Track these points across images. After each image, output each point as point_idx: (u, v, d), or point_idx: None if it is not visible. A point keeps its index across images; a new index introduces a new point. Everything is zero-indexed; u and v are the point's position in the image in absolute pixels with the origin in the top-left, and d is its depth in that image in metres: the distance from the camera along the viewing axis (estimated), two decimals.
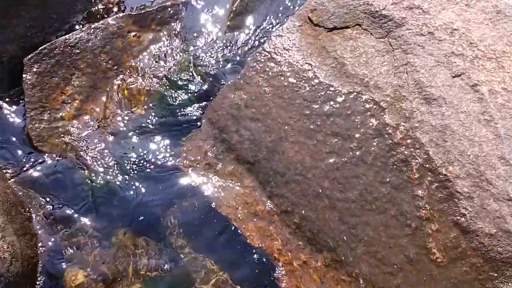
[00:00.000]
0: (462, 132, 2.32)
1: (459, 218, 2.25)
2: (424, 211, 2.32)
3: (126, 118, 3.02)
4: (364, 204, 2.43)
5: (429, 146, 2.36)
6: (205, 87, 3.16)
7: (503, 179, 2.20)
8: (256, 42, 3.29)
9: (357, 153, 2.49)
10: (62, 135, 2.87)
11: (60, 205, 2.80)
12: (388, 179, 2.41)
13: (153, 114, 3.06)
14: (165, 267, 2.65)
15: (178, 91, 3.15)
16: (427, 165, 2.34)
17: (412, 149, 2.39)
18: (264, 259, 2.59)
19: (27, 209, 2.62)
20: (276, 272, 2.53)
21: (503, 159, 2.22)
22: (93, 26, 3.10)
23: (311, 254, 2.50)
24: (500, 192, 2.19)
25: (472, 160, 2.27)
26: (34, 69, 2.89)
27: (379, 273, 2.36)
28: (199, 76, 3.20)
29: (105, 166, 2.90)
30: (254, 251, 2.60)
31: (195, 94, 3.14)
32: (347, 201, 2.46)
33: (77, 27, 3.22)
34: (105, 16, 3.35)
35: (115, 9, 3.41)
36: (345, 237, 2.43)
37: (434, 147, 2.35)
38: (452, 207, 2.27)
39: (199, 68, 3.23)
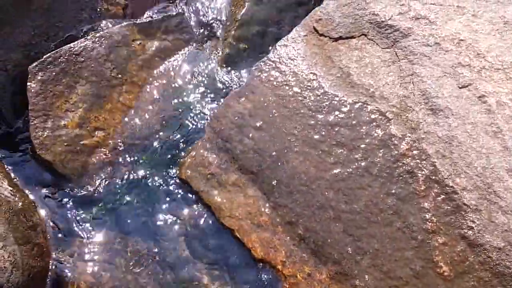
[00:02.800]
0: (469, 143, 2.29)
1: (466, 231, 2.21)
2: (430, 224, 2.29)
3: (129, 127, 3.01)
4: (369, 216, 2.40)
5: (436, 158, 2.33)
6: (209, 96, 3.15)
7: (511, 192, 2.17)
8: (261, 52, 3.28)
9: (363, 164, 2.46)
10: (65, 144, 2.86)
11: (63, 215, 2.79)
12: (394, 191, 2.38)
13: (156, 123, 3.05)
14: (167, 278, 2.62)
15: (181, 100, 3.14)
16: (434, 177, 2.31)
17: (418, 161, 2.36)
18: (268, 271, 2.56)
19: (30, 218, 2.59)
20: (280, 284, 2.49)
21: (511, 172, 2.19)
22: (98, 34, 3.10)
23: (316, 266, 2.46)
24: (509, 204, 2.15)
25: (480, 172, 2.24)
26: (38, 77, 2.89)
27: (385, 287, 2.31)
28: (203, 85, 3.19)
29: (107, 176, 2.88)
30: (257, 263, 2.57)
31: (199, 103, 3.13)
32: (352, 213, 2.43)
33: (82, 35, 3.22)
34: (110, 24, 3.35)
35: (121, 17, 3.42)
36: (350, 250, 2.39)
37: (441, 159, 2.32)
38: (459, 220, 2.23)
39: (203, 77, 3.22)
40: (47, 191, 2.84)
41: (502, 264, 2.13)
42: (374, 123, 2.50)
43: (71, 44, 3.01)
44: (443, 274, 2.23)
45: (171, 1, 3.57)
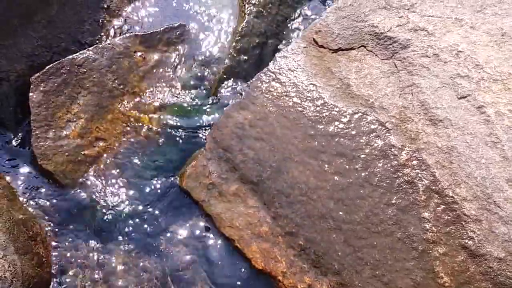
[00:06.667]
0: (468, 154, 2.30)
1: (467, 241, 2.21)
2: (431, 234, 2.28)
3: (130, 137, 3.02)
4: (370, 226, 2.39)
5: (436, 168, 2.33)
6: (209, 106, 3.17)
7: (511, 202, 2.17)
8: (261, 63, 3.31)
9: (363, 174, 2.47)
10: (66, 154, 2.87)
11: (63, 226, 2.78)
12: (394, 201, 2.38)
13: (157, 133, 3.06)
14: None
15: (182, 111, 3.15)
16: (434, 187, 2.32)
17: (418, 171, 2.37)
18: (268, 282, 2.55)
19: (30, 228, 2.59)
20: None
21: (511, 182, 2.19)
22: (100, 45, 3.13)
23: (316, 277, 2.46)
24: (509, 215, 2.15)
25: (479, 182, 2.24)
26: (41, 88, 2.91)
27: None
28: (204, 96, 3.21)
29: (108, 186, 2.88)
30: (257, 273, 2.56)
31: (200, 113, 3.15)
32: (353, 223, 2.42)
33: (84, 46, 3.25)
34: (112, 36, 3.39)
35: (122, 29, 3.45)
36: (350, 260, 2.39)
37: (441, 169, 2.32)
38: (459, 230, 2.23)
39: (204, 88, 3.24)
40: (48, 201, 2.84)
41: (503, 274, 2.12)
42: (374, 134, 2.51)
43: (73, 55, 3.04)
44: (444, 285, 2.22)
45: (172, 13, 3.60)
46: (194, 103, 3.19)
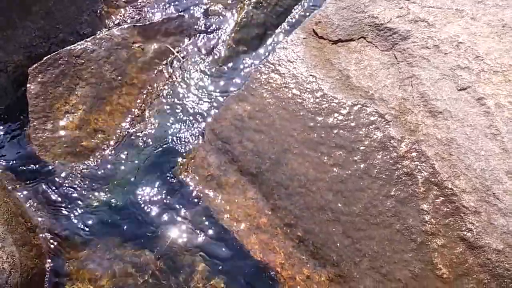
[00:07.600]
0: (468, 145, 2.29)
1: (465, 233, 2.20)
2: (429, 226, 2.28)
3: (129, 128, 3.01)
4: (368, 218, 2.39)
5: (435, 160, 2.33)
6: (208, 98, 3.15)
7: (510, 194, 2.16)
8: (261, 54, 3.29)
9: (362, 166, 2.46)
10: (65, 145, 2.86)
11: (62, 218, 2.78)
12: (393, 193, 2.38)
13: (156, 125, 3.05)
14: (165, 281, 2.61)
15: (181, 102, 3.14)
16: (433, 179, 2.31)
17: (417, 163, 2.36)
18: (267, 273, 2.55)
19: (28, 219, 2.59)
20: (279, 287, 2.49)
21: (511, 174, 2.19)
22: (98, 36, 3.11)
23: (315, 268, 2.46)
24: (508, 207, 2.15)
25: (479, 174, 2.24)
26: (38, 79, 2.89)
27: None
28: (203, 87, 3.19)
29: (106, 178, 2.88)
30: (256, 265, 2.56)
31: (199, 105, 3.14)
32: (351, 215, 2.42)
33: (82, 37, 3.23)
34: (111, 27, 3.36)
35: (121, 20, 3.43)
36: (349, 252, 2.39)
37: (440, 161, 2.32)
38: (458, 222, 2.23)
39: (203, 79, 3.22)
40: (46, 192, 2.84)
41: (501, 266, 2.12)
42: (373, 125, 2.50)
43: (71, 46, 3.02)
44: (442, 276, 2.22)
45: (171, 4, 3.58)
46: (193, 94, 3.17)
